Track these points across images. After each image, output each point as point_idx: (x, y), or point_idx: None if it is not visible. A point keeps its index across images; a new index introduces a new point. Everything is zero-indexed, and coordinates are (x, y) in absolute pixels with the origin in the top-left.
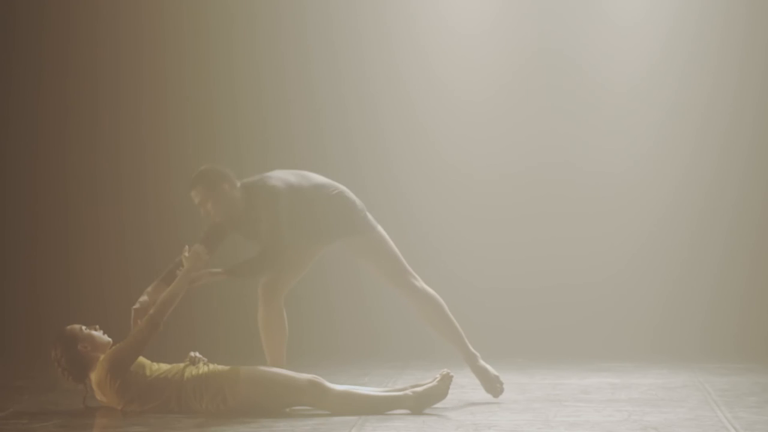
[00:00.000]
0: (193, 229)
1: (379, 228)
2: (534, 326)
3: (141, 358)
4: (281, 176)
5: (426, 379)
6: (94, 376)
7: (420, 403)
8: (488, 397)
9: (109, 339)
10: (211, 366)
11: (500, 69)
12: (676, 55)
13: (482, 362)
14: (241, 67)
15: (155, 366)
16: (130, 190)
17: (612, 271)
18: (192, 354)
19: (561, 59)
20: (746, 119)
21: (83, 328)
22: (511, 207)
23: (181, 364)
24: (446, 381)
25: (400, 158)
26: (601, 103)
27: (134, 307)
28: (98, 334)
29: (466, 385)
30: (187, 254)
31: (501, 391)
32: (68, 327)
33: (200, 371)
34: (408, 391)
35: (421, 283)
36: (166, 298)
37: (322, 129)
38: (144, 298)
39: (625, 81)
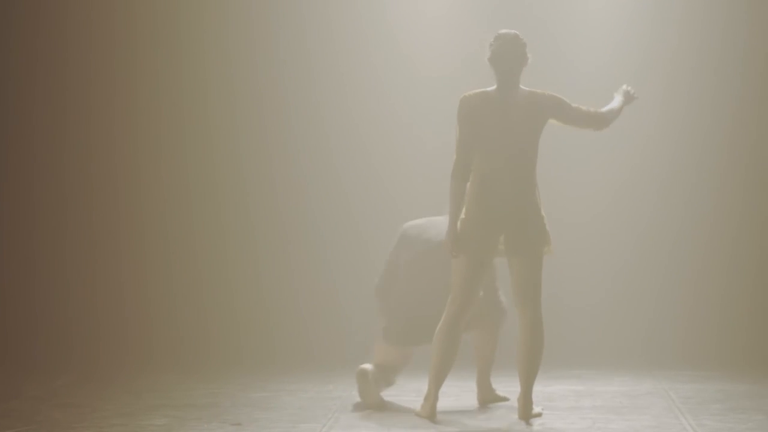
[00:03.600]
0: (188, 229)
1: None
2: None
3: None
4: None
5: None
6: None
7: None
8: (453, 404)
9: None
10: None
11: (475, 61)
12: (660, 50)
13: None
14: (239, 63)
15: None
16: (126, 193)
17: (576, 278)
18: None
19: (538, 49)
20: (726, 122)
21: None
22: None
23: None
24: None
25: (378, 151)
26: (578, 93)
27: None
28: None
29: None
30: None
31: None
32: None
33: None
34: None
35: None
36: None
37: (321, 122)
38: None
39: (603, 72)
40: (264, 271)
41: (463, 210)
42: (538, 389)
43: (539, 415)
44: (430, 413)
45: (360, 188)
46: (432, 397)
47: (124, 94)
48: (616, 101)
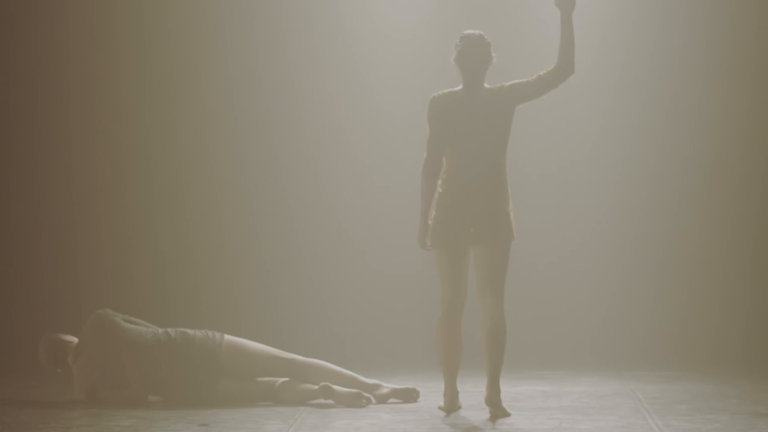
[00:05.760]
0: (178, 231)
1: None
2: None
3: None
4: None
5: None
6: None
7: (385, 396)
8: (420, 405)
9: None
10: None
11: (431, 73)
12: (608, 57)
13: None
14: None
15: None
16: (111, 195)
17: (544, 278)
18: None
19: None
20: (718, 123)
21: None
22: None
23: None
24: (411, 395)
25: (356, 150)
26: (535, 108)
27: None
28: None
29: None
30: None
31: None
32: None
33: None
34: (381, 384)
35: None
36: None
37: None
38: None
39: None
40: (234, 274)
41: (434, 206)
42: (505, 389)
43: (507, 414)
44: (449, 406)
45: (344, 189)
46: (448, 391)
47: (110, 93)
48: (561, 34)
